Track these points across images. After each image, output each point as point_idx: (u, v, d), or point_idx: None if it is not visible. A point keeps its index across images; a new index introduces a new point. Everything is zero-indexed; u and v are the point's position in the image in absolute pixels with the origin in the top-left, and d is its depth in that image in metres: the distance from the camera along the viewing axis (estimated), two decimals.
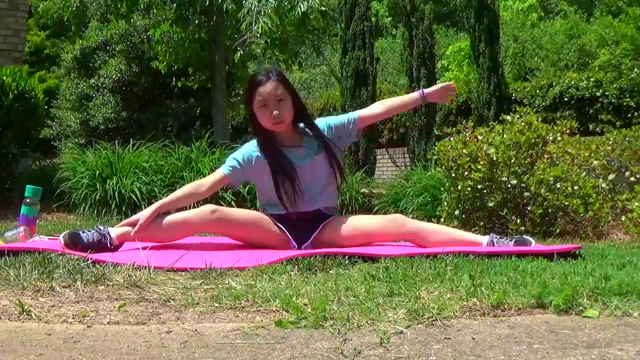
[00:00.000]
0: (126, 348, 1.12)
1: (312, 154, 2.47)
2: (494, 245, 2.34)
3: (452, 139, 3.68)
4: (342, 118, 2.58)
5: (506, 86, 8.34)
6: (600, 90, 8.38)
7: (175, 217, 2.39)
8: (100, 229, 2.24)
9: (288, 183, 2.41)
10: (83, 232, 2.19)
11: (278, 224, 2.44)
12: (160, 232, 2.32)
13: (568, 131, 3.51)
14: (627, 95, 8.20)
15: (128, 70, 10.67)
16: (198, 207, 2.41)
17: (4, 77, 4.39)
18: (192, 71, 8.03)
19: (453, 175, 3.54)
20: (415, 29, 8.26)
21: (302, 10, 6.01)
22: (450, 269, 1.82)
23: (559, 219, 3.25)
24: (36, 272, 1.66)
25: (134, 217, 2.34)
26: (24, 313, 1.31)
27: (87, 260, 1.87)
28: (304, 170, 2.45)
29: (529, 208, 3.19)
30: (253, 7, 5.92)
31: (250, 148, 2.50)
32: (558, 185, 3.15)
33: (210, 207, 2.40)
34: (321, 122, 2.55)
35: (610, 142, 3.92)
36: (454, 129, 3.84)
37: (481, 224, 3.41)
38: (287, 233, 2.44)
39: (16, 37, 6.64)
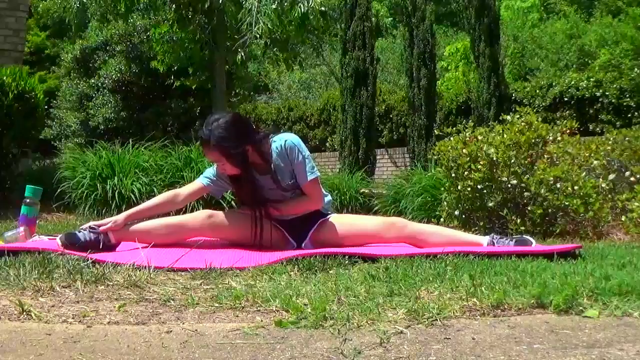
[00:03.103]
0: (126, 348, 1.12)
1: (277, 182, 2.43)
2: (494, 245, 2.34)
3: (452, 139, 3.67)
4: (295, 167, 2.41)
5: (506, 86, 8.33)
6: (600, 90, 8.38)
7: (172, 220, 2.40)
8: (94, 228, 2.24)
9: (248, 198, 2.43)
10: (79, 232, 2.20)
11: (275, 224, 2.44)
12: (156, 235, 2.32)
13: (568, 131, 3.50)
14: (627, 95, 8.20)
15: (128, 70, 10.68)
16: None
17: (4, 77, 4.38)
18: (192, 71, 8.03)
19: (453, 175, 3.53)
20: (416, 29, 8.25)
21: (302, 10, 6.01)
22: (450, 269, 1.82)
23: (559, 219, 3.25)
24: (36, 272, 1.66)
25: (106, 220, 2.32)
26: (24, 313, 1.30)
27: (87, 260, 1.87)
28: (269, 192, 2.44)
29: (529, 208, 3.18)
30: (253, 7, 5.92)
31: None
32: (558, 185, 3.14)
33: (207, 212, 2.41)
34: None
35: (610, 142, 3.91)
36: (454, 129, 3.84)
37: (481, 224, 3.40)
38: (285, 232, 2.44)
39: (16, 37, 6.64)
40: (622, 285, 1.51)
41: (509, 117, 3.60)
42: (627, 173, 3.57)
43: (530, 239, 2.41)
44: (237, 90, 10.19)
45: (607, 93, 8.29)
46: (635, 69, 8.74)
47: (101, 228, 2.25)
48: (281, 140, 2.38)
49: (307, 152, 2.40)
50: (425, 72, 8.18)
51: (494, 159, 3.27)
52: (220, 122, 2.29)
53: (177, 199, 2.45)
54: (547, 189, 3.13)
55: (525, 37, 15.73)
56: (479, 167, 3.31)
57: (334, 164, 9.99)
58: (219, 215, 2.43)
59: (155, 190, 4.19)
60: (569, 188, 3.13)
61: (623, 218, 3.26)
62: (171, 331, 1.22)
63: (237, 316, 1.35)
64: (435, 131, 7.64)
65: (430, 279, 1.68)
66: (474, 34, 8.02)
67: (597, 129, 8.13)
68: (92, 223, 2.29)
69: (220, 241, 2.56)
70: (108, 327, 1.25)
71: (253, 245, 2.40)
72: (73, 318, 1.30)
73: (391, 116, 11.11)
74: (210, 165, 2.60)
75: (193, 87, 8.51)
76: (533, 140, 3.36)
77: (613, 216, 3.37)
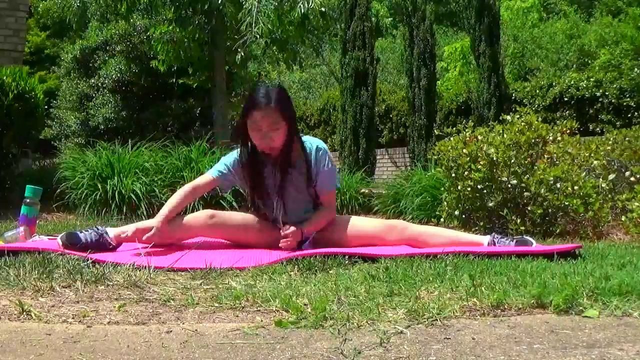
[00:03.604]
0: (126, 348, 1.12)
1: (292, 181, 2.43)
2: (495, 244, 2.34)
3: (452, 139, 3.67)
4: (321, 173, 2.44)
5: (506, 86, 8.33)
6: (600, 90, 8.39)
7: (173, 220, 2.40)
8: (97, 229, 2.24)
9: (261, 199, 2.42)
10: (81, 232, 2.20)
11: (276, 224, 2.44)
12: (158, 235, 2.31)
13: (568, 131, 3.50)
14: (627, 95, 8.21)
15: (128, 70, 10.69)
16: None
17: (4, 77, 4.38)
18: (192, 71, 8.04)
19: (453, 175, 3.53)
20: (416, 29, 8.26)
21: (302, 11, 6.01)
22: (450, 269, 1.82)
23: (559, 219, 3.25)
24: (36, 272, 1.66)
25: (144, 224, 2.26)
26: (24, 313, 1.31)
27: (87, 260, 1.87)
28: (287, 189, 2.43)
29: (529, 208, 3.18)
30: (253, 7, 5.93)
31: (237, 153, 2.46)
32: (558, 185, 3.14)
33: (208, 212, 2.41)
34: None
35: (610, 142, 3.91)
36: (454, 129, 3.84)
37: (481, 224, 3.40)
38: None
39: (16, 37, 6.64)
40: (622, 285, 1.51)
41: (509, 117, 3.59)
42: (627, 173, 3.56)
43: (531, 239, 2.41)
44: (237, 90, 10.19)
45: (607, 93, 8.30)
46: (635, 69, 8.75)
47: (146, 237, 2.18)
48: (312, 144, 2.42)
49: (333, 161, 2.47)
50: (425, 72, 8.19)
51: (494, 159, 3.27)
52: (276, 88, 2.36)
53: (196, 192, 2.47)
54: (547, 189, 3.13)
55: (525, 37, 15.73)
56: (479, 167, 3.31)
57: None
58: (221, 215, 2.43)
59: (155, 190, 4.19)
60: (569, 188, 3.13)
61: (623, 218, 3.25)
62: (171, 331, 1.22)
63: (237, 316, 1.35)
64: (435, 131, 7.65)
65: (430, 279, 1.68)
66: (474, 34, 8.02)
67: (597, 129, 8.14)
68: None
69: (221, 241, 2.56)
70: (108, 327, 1.25)
71: (253, 245, 2.39)
72: (73, 318, 1.30)
73: (391, 116, 11.12)
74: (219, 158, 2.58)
75: (193, 87, 8.51)
76: (533, 140, 3.36)
77: (613, 216, 3.37)
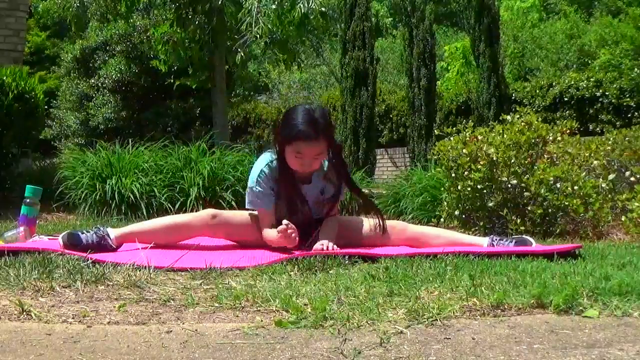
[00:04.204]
0: (126, 348, 1.12)
1: (316, 193, 2.45)
2: (493, 246, 2.34)
3: (452, 138, 3.67)
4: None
5: (506, 86, 8.34)
6: (600, 90, 8.39)
7: (176, 220, 2.40)
8: (99, 230, 2.23)
9: (290, 214, 2.39)
10: (82, 233, 2.19)
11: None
12: (160, 235, 2.32)
13: (568, 131, 3.50)
14: (627, 95, 8.22)
15: (128, 70, 10.69)
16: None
17: (4, 77, 4.38)
18: (192, 71, 8.05)
19: (453, 175, 3.53)
20: (415, 29, 8.26)
21: (303, 11, 6.02)
22: (450, 269, 1.82)
23: (559, 219, 3.24)
24: (36, 272, 1.66)
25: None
26: (24, 313, 1.31)
27: (87, 260, 1.87)
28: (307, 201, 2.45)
29: (529, 208, 3.18)
30: (253, 7, 5.93)
31: (265, 167, 2.39)
32: (558, 185, 3.14)
33: (211, 211, 2.41)
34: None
35: (610, 142, 3.91)
36: (454, 129, 3.83)
37: (481, 224, 3.40)
38: None
39: (16, 37, 6.64)
40: (622, 285, 1.51)
41: (509, 117, 3.59)
42: (627, 173, 3.56)
43: (530, 239, 2.41)
44: (237, 90, 10.19)
45: (607, 93, 8.31)
46: (635, 69, 8.76)
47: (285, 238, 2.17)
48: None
49: None
50: (425, 72, 8.20)
51: (494, 159, 3.27)
52: (321, 114, 2.29)
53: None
54: (547, 189, 3.13)
55: (525, 37, 15.74)
56: (479, 167, 3.31)
57: None
58: (223, 214, 2.43)
59: (155, 190, 4.18)
60: (569, 188, 3.13)
61: (623, 218, 3.25)
62: (171, 331, 1.22)
63: (237, 316, 1.35)
64: (435, 131, 7.66)
65: (430, 279, 1.68)
66: (474, 34, 8.03)
67: (597, 129, 8.14)
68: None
69: (221, 241, 2.56)
70: (108, 327, 1.25)
71: (254, 245, 2.39)
72: (73, 318, 1.31)
73: (391, 116, 11.12)
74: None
75: (193, 87, 8.52)
76: (533, 140, 3.36)
77: (613, 216, 3.37)
